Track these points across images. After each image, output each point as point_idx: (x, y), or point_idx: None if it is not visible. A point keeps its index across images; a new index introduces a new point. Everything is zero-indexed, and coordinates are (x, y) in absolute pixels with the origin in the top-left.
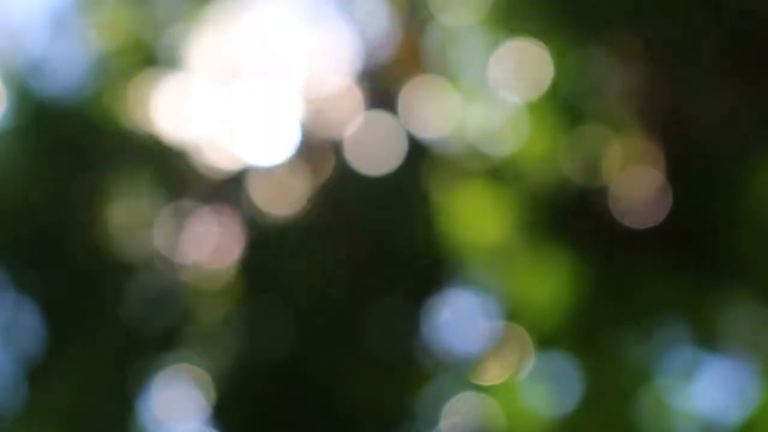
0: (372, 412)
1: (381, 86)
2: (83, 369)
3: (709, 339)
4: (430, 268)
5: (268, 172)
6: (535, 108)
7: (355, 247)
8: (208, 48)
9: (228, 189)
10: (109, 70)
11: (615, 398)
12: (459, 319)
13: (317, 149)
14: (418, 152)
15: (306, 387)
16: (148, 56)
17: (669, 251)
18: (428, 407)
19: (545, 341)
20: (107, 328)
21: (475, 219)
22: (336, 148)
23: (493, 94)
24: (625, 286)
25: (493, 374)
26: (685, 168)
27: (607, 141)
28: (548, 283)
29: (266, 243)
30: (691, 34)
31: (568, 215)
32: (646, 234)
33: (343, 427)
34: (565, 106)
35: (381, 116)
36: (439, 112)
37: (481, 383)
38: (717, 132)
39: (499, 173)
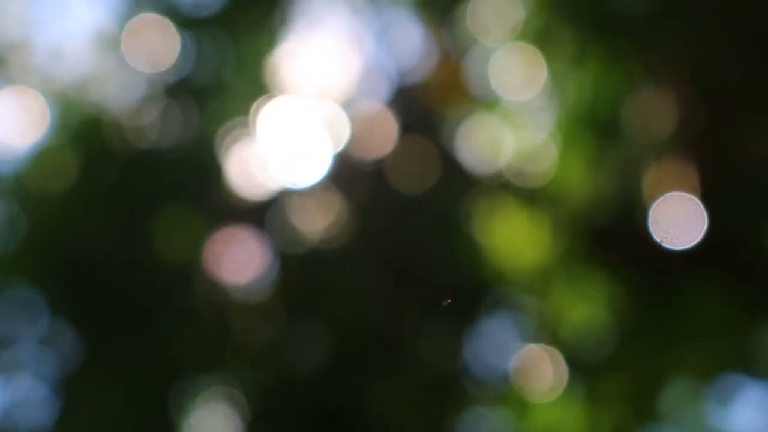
0: None
1: (420, 109)
2: (121, 388)
3: (750, 361)
4: (468, 289)
5: (307, 193)
6: (573, 130)
7: (392, 267)
8: (247, 71)
9: (267, 211)
10: (151, 90)
11: (652, 418)
12: (497, 340)
13: (355, 171)
14: (457, 174)
15: (343, 407)
16: (188, 77)
17: (706, 273)
18: (468, 427)
19: (583, 362)
20: (146, 348)
21: (514, 240)
22: (374, 169)
23: (531, 116)
24: (664, 308)
25: (530, 394)
26: (722, 190)
27: (645, 164)
28: (586, 304)
29: (304, 264)
30: (728, 57)
31: (605, 237)
32: (683, 256)
33: None
34: (602, 128)
35: (419, 138)
36: (478, 134)
37: (518, 403)
38: (753, 154)
39: (537, 195)
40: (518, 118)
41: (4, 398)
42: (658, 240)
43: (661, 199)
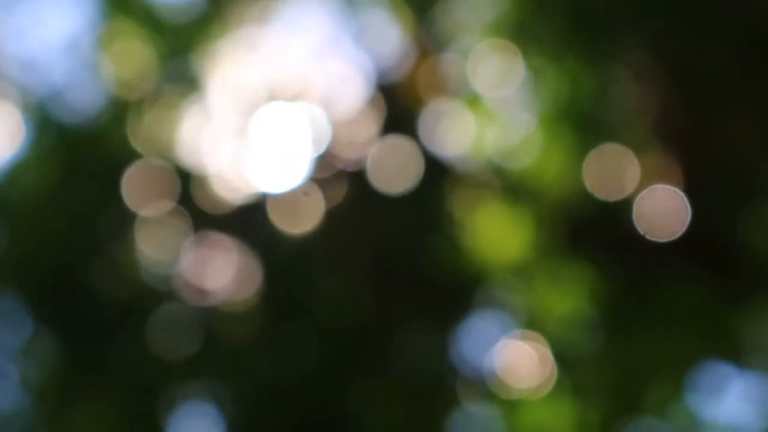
0: None
1: (399, 107)
2: (106, 397)
3: (732, 351)
4: (453, 287)
5: (288, 195)
6: (553, 125)
7: (376, 267)
8: (224, 75)
9: (249, 214)
10: (127, 99)
11: (639, 411)
12: (482, 336)
13: (336, 172)
14: (438, 172)
15: (331, 409)
16: (165, 84)
17: (689, 265)
18: (457, 427)
19: (568, 355)
20: (130, 356)
21: (496, 236)
22: (356, 169)
23: (511, 113)
24: (648, 300)
25: (516, 389)
26: (704, 182)
27: (626, 157)
28: (570, 297)
29: (287, 266)
30: (706, 50)
31: (588, 231)
32: (666, 248)
33: None
34: (582, 123)
35: (400, 137)
36: (458, 132)
37: (505, 398)
38: (734, 144)
39: (518, 190)
40: (498, 114)
41: None
42: (642, 233)
43: (643, 192)
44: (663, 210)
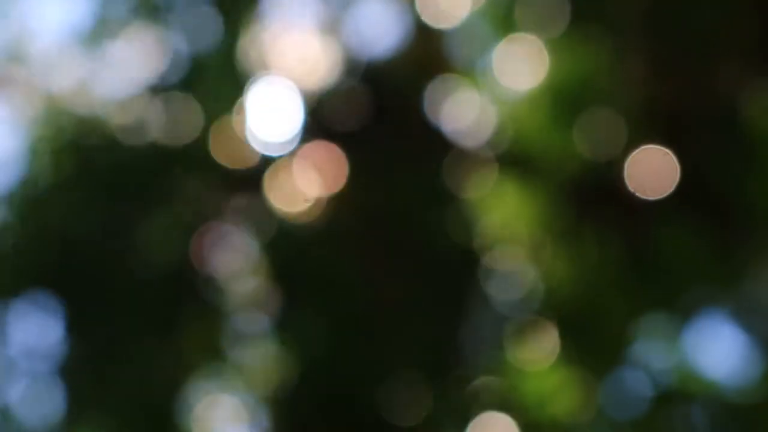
0: (410, 417)
1: (400, 82)
2: (118, 387)
3: (729, 302)
4: (459, 261)
5: (290, 175)
6: (548, 96)
7: (382, 244)
8: (227, 56)
9: (251, 197)
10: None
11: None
12: (491, 311)
13: (338, 148)
14: (441, 146)
15: (343, 393)
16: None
17: (686, 217)
18: (466, 400)
19: (577, 325)
20: (142, 344)
21: (501, 209)
22: (359, 145)
23: (506, 86)
24: (651, 261)
25: (525, 362)
26: (690, 136)
27: (615, 122)
28: (577, 267)
29: (296, 250)
30: (692, 6)
31: (585, 198)
32: (662, 206)
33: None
34: (573, 92)
35: (402, 112)
36: (459, 107)
37: (513, 370)
38: (717, 97)
39: (519, 162)
40: (498, 87)
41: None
42: (635, 192)
43: (635, 153)
44: (655, 170)
